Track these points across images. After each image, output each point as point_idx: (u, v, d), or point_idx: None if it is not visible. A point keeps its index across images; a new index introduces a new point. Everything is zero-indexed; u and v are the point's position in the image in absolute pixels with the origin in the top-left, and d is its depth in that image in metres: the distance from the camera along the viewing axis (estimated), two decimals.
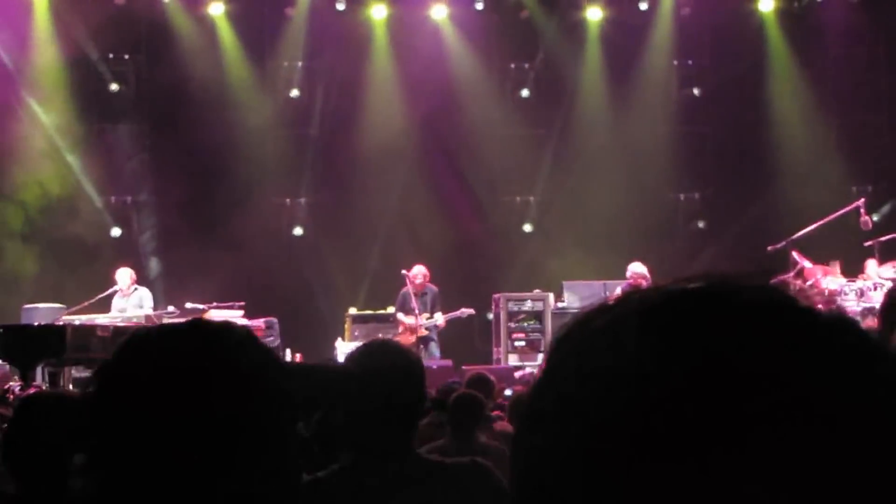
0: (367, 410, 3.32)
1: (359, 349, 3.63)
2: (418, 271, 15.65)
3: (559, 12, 18.61)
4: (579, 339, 0.87)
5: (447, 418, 7.72)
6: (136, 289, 14.78)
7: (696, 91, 18.47)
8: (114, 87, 17.94)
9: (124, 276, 14.77)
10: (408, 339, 15.37)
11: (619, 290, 15.16)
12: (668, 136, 18.29)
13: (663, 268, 15.74)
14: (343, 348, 15.49)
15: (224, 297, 15.33)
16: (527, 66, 18.80)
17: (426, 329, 15.51)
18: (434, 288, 15.76)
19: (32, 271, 16.49)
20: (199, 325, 1.80)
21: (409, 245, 17.18)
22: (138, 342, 1.75)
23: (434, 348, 15.65)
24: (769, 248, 15.03)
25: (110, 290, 14.61)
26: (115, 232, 17.62)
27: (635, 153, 18.04)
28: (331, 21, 18.32)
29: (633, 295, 0.87)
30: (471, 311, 15.71)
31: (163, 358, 1.69)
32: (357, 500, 3.28)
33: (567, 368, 0.87)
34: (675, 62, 18.62)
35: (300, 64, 18.45)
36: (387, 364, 3.37)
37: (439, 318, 15.54)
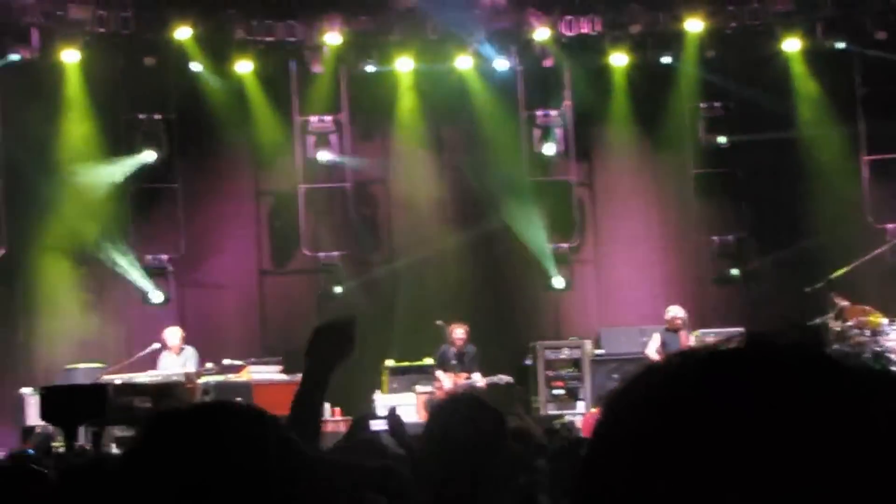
0: (436, 467, 3.34)
1: (439, 404, 3.65)
2: (459, 330, 15.71)
3: (584, 59, 18.69)
4: (626, 402, 0.94)
5: None
6: (183, 348, 14.80)
7: (724, 133, 18.44)
8: (145, 146, 17.99)
9: (174, 335, 14.80)
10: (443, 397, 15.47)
11: (657, 336, 15.10)
12: (698, 179, 18.27)
13: (700, 311, 15.73)
14: (382, 401, 15.50)
15: (261, 354, 15.36)
16: (554, 113, 18.86)
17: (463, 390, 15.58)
18: (473, 348, 15.81)
19: (71, 331, 16.54)
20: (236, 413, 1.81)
21: (442, 295, 17.20)
22: (165, 424, 1.77)
23: None
24: (807, 289, 14.98)
25: (150, 349, 14.61)
26: (151, 289, 17.63)
27: (666, 197, 18.04)
28: (357, 75, 18.48)
29: (674, 359, 0.94)
30: (509, 378, 15.75)
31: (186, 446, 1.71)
32: None
33: (614, 426, 0.93)
34: (703, 105, 18.64)
35: (330, 118, 18.57)
36: (460, 422, 3.36)
37: (479, 380, 15.56)
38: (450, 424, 3.38)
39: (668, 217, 17.94)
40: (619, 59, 18.56)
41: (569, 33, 18.53)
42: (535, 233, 18.35)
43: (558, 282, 18.22)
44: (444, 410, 3.56)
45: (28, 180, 16.85)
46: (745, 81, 18.30)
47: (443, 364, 15.82)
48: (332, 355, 3.21)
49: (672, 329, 15.11)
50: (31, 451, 12.61)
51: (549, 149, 18.73)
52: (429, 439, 3.44)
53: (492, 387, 15.47)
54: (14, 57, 17.12)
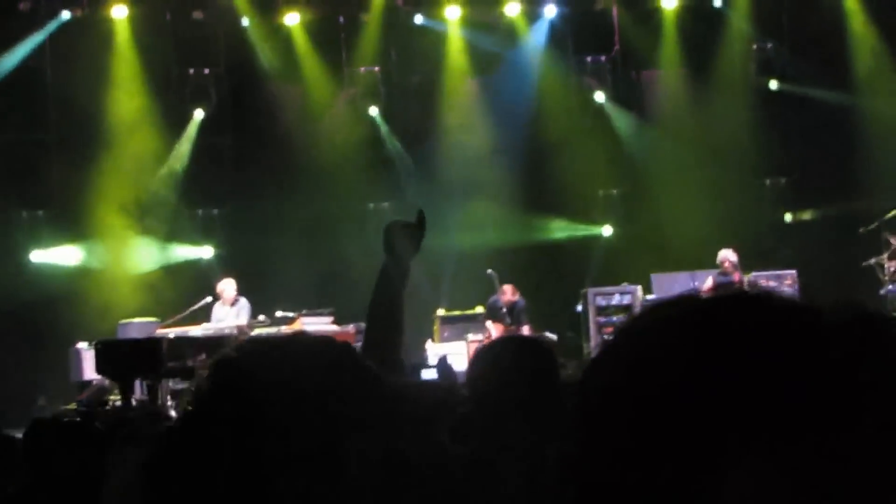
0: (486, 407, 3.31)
1: (484, 346, 3.64)
2: (507, 288, 15.75)
3: (633, 3, 18.48)
4: (638, 331, 0.98)
5: None
6: (238, 300, 14.93)
7: (776, 73, 18.15)
8: (195, 101, 18.08)
9: (230, 286, 14.93)
10: None
11: (710, 280, 14.98)
12: (750, 121, 18.01)
13: (753, 254, 15.58)
14: (434, 350, 15.57)
15: (313, 305, 15.44)
16: (603, 58, 18.67)
17: None
18: (522, 300, 15.83)
19: (125, 286, 16.77)
20: (297, 342, 1.77)
21: (493, 243, 17.18)
22: (231, 360, 1.73)
23: None
24: (861, 230, 14.81)
25: (202, 302, 14.72)
26: (202, 243, 17.80)
27: (718, 140, 17.80)
28: (405, 24, 18.41)
29: (672, 301, 0.98)
30: (553, 337, 15.79)
31: (257, 376, 1.67)
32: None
33: (621, 355, 0.97)
34: (755, 46, 18.36)
35: (377, 68, 18.54)
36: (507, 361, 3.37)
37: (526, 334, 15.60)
38: (497, 359, 3.38)
39: (718, 160, 17.70)
40: (669, 2, 18.32)
41: None
42: (585, 179, 18.25)
43: (607, 229, 18.17)
44: (489, 350, 3.55)
45: (82, 137, 17.05)
46: (798, 21, 17.97)
47: (492, 314, 15.85)
48: (406, 248, 3.22)
49: (724, 273, 15.00)
50: (82, 402, 12.83)
51: (600, 95, 18.59)
52: (475, 379, 3.41)
53: (543, 319, 15.56)
54: (65, 15, 17.30)
